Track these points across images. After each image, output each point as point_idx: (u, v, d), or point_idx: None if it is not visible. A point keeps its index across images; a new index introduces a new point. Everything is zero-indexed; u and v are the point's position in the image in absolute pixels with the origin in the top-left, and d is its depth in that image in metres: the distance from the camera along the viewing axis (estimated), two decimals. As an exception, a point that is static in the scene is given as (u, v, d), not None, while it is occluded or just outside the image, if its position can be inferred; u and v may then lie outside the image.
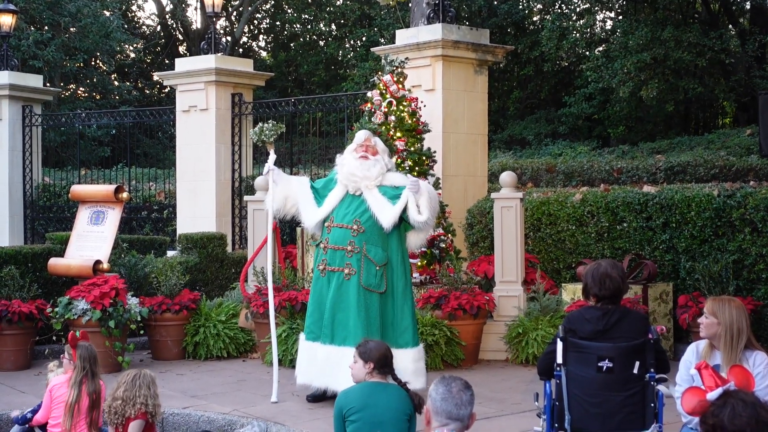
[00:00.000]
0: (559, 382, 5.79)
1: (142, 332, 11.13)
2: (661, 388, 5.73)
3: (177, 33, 39.47)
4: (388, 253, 8.67)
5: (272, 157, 9.27)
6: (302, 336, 8.92)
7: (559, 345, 5.80)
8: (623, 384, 5.66)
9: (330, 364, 8.54)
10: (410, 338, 8.60)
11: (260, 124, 9.56)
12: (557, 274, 11.81)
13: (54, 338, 11.04)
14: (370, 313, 8.53)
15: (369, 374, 5.79)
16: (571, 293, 10.67)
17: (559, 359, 5.79)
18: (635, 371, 5.67)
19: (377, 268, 8.58)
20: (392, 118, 11.38)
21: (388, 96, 11.44)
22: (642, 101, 23.92)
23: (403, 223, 8.67)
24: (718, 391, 4.33)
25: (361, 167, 8.73)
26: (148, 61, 37.94)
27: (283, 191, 9.07)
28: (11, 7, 17.97)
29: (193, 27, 38.30)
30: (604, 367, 5.64)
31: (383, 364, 5.76)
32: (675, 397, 5.89)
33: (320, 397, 8.75)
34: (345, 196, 8.79)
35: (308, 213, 8.92)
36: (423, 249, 11.05)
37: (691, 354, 6.04)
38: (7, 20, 17.67)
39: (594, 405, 5.68)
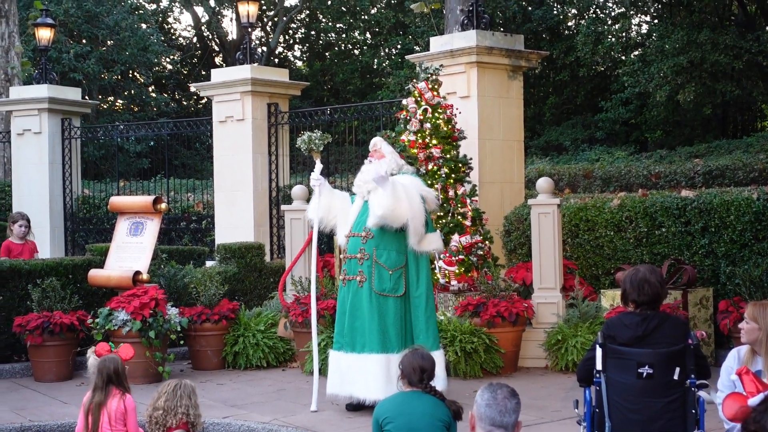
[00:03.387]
0: (599, 389, 5.77)
1: (182, 342, 11.20)
2: (702, 394, 5.69)
3: (213, 44, 39.74)
4: (405, 256, 8.72)
5: (318, 166, 9.34)
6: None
7: (599, 351, 5.77)
8: (663, 390, 5.63)
9: (352, 372, 8.64)
10: (424, 340, 8.55)
11: (307, 132, 9.62)
12: (596, 280, 11.75)
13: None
14: (386, 319, 8.60)
15: (402, 384, 5.79)
16: (610, 299, 10.61)
17: (599, 366, 5.76)
18: (675, 377, 5.63)
19: (390, 272, 8.64)
20: (427, 125, 11.39)
21: (423, 103, 11.46)
22: (679, 105, 23.78)
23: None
24: (760, 396, 4.30)
25: (362, 174, 8.92)
26: (185, 72, 38.22)
27: (326, 202, 9.15)
28: (49, 21, 18.14)
29: (229, 38, 38.54)
30: (644, 374, 5.61)
31: (414, 377, 5.73)
32: (716, 403, 5.86)
33: (359, 405, 8.77)
34: (363, 206, 8.89)
35: (340, 228, 9.06)
36: (461, 257, 11.04)
37: (732, 360, 6.01)
38: (45, 34, 17.84)
39: (634, 411, 5.65)
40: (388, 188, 8.50)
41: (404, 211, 8.54)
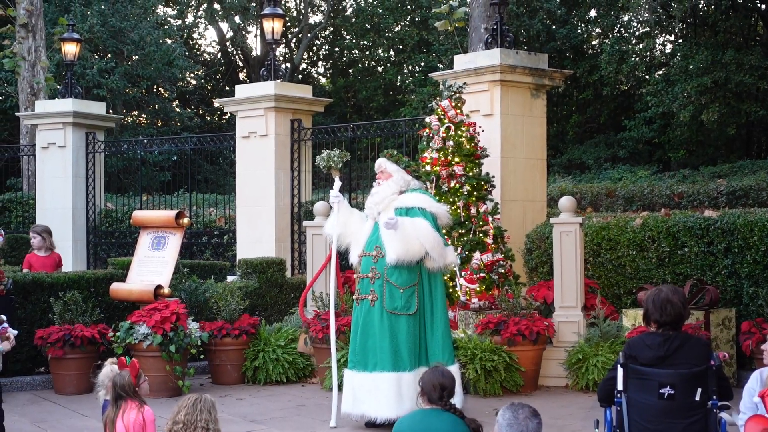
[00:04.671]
0: (620, 409, 5.74)
1: (202, 357, 11.22)
2: (723, 415, 5.66)
3: (237, 60, 39.90)
4: (418, 273, 8.75)
5: (337, 183, 9.41)
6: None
7: (620, 371, 5.75)
8: (685, 411, 5.60)
9: (363, 391, 8.68)
10: (441, 356, 8.64)
11: (327, 151, 9.69)
12: (618, 300, 11.70)
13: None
14: (398, 337, 8.65)
15: (422, 402, 5.78)
16: (632, 319, 10.56)
17: (620, 386, 5.74)
18: (697, 398, 5.60)
19: (401, 291, 8.69)
20: (450, 143, 11.39)
21: (446, 121, 11.46)
22: (703, 125, 23.70)
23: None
24: (782, 419, 4.27)
25: (372, 196, 9.06)
26: (209, 87, 38.38)
27: (344, 220, 9.21)
28: (75, 36, 18.27)
29: (253, 54, 38.70)
30: (666, 394, 5.59)
31: (435, 394, 5.71)
32: (738, 425, 5.82)
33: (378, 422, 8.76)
34: (374, 226, 8.98)
35: (354, 247, 9.16)
36: (482, 274, 11.02)
37: (755, 381, 5.97)
38: (71, 49, 17.97)
39: (655, 432, 5.62)
40: (398, 234, 8.61)
41: (417, 251, 8.69)
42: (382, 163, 9.17)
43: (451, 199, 11.21)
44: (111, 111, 25.88)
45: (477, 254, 11.07)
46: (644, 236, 11.50)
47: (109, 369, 6.84)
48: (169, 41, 32.79)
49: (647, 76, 27.22)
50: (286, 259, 14.30)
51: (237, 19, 36.95)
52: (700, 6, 25.82)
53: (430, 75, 14.55)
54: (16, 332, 8.35)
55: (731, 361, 10.54)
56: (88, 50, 28.39)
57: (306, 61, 40.00)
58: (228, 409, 9.72)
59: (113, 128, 20.03)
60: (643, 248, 11.52)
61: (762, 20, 26.24)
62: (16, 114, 21.72)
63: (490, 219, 11.38)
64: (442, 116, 11.49)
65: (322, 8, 39.05)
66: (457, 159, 11.34)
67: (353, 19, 37.50)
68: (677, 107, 22.84)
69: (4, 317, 8.20)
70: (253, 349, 11.43)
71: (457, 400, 8.23)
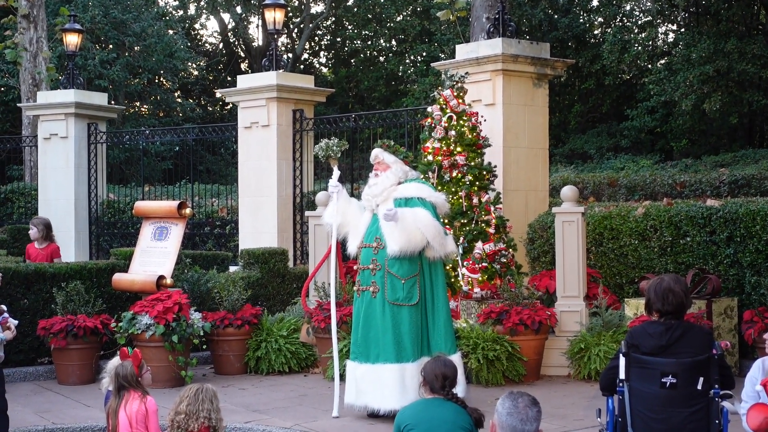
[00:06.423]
0: (622, 398, 5.75)
1: (204, 347, 11.23)
2: (725, 404, 5.66)
3: (239, 50, 39.86)
4: (418, 264, 8.75)
5: (336, 173, 9.40)
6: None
7: (622, 360, 5.75)
8: (687, 400, 5.60)
9: (366, 382, 8.69)
10: (443, 345, 8.66)
11: (325, 140, 9.68)
12: (620, 289, 11.71)
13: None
14: (400, 328, 8.65)
15: (424, 391, 5.78)
16: (634, 308, 10.56)
17: (622, 375, 5.74)
18: (699, 387, 5.60)
19: (402, 281, 8.70)
20: (452, 132, 11.38)
21: (448, 111, 11.45)
22: (705, 114, 23.67)
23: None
24: (784, 407, 4.27)
25: (369, 188, 9.03)
26: (211, 78, 38.36)
27: (343, 209, 9.18)
28: (77, 26, 18.27)
29: (255, 44, 38.66)
30: (668, 383, 5.59)
31: (437, 383, 5.72)
32: (740, 414, 5.82)
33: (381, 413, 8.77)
34: (372, 217, 8.98)
35: (352, 238, 9.14)
36: (484, 264, 11.02)
37: (757, 370, 5.96)
38: (73, 40, 17.96)
39: (657, 421, 5.63)
40: (399, 225, 8.62)
41: (419, 241, 8.69)
42: (378, 154, 9.11)
43: (453, 189, 11.20)
44: (113, 102, 25.88)
45: (479, 244, 11.07)
46: (646, 225, 11.50)
47: (117, 360, 6.87)
48: (171, 32, 32.76)
49: (649, 66, 27.19)
50: (289, 250, 14.30)
51: (239, 9, 36.90)
52: (703, -5, 25.80)
53: (432, 65, 14.52)
54: (16, 322, 8.37)
55: (733, 350, 10.54)
56: (89, 41, 28.37)
57: (308, 51, 39.96)
58: (230, 399, 9.73)
59: (115, 119, 20.04)
60: (646, 237, 11.52)
61: (764, 9, 26.18)
62: (18, 105, 21.72)
63: (492, 209, 11.38)
64: (444, 106, 11.48)
65: (324, -2, 39.06)
66: (459, 149, 11.33)
67: (355, 9, 37.46)
68: (679, 96, 22.80)
69: (4, 307, 8.23)
70: (255, 339, 11.44)
71: (460, 389, 8.25)
